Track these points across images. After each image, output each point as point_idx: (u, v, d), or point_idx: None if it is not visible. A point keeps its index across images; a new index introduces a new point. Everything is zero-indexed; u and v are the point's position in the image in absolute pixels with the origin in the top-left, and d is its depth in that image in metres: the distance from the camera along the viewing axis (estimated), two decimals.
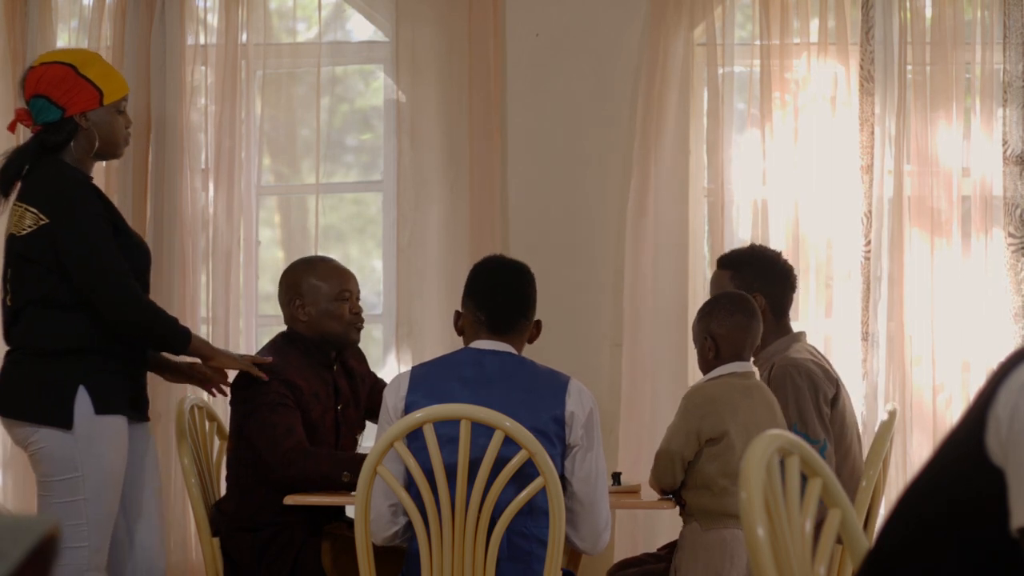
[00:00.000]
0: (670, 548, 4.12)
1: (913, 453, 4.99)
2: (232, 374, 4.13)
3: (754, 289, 4.24)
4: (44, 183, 3.87)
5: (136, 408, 3.94)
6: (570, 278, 5.21)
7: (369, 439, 4.23)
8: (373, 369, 4.50)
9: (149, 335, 3.90)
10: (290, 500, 3.86)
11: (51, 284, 3.83)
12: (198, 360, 4.07)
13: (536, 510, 3.47)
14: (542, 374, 3.58)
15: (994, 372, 1.69)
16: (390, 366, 5.21)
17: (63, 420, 3.78)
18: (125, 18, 5.24)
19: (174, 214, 5.20)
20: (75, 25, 5.41)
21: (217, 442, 4.48)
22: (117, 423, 3.84)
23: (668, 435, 3.87)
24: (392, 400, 3.56)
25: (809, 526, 2.05)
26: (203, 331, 5.17)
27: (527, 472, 3.40)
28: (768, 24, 5.12)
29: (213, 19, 5.34)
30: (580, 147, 5.27)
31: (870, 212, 5.05)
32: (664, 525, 4.93)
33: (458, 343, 3.74)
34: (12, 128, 4.06)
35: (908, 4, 5.07)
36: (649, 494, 3.96)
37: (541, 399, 3.52)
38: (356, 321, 4.21)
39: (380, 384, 4.35)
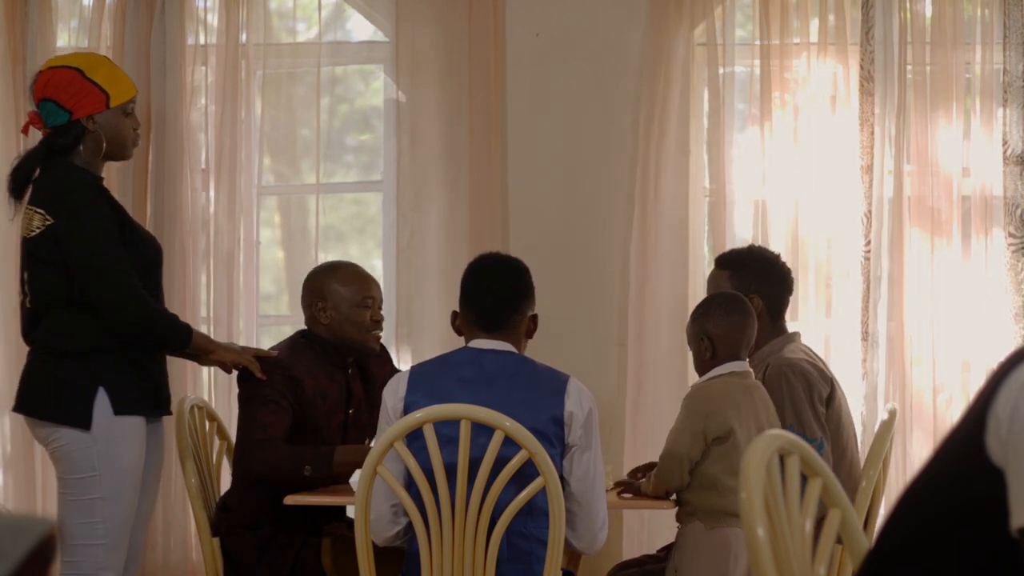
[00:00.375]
0: (670, 549, 4.12)
1: (913, 453, 4.99)
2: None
3: (752, 290, 4.23)
4: (51, 185, 3.94)
5: (158, 405, 4.02)
6: (570, 278, 5.21)
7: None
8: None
9: (150, 335, 3.94)
10: (290, 500, 3.85)
11: (64, 285, 3.88)
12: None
13: (536, 510, 3.46)
14: (542, 374, 3.57)
15: (994, 372, 1.69)
16: None
17: (82, 421, 3.85)
18: (125, 18, 5.24)
19: (174, 214, 5.21)
20: (75, 25, 5.41)
21: (217, 442, 4.49)
22: (135, 423, 3.92)
23: (673, 437, 3.84)
24: (391, 400, 3.55)
25: (809, 526, 2.05)
26: (203, 331, 5.16)
27: (527, 472, 3.39)
28: (768, 24, 5.12)
29: (213, 19, 5.34)
30: (580, 147, 5.27)
31: (870, 212, 5.05)
32: (669, 525, 4.92)
33: (458, 343, 3.73)
34: (26, 131, 4.18)
35: (908, 4, 5.07)
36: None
37: (541, 399, 3.51)
38: (375, 328, 4.21)
39: None
